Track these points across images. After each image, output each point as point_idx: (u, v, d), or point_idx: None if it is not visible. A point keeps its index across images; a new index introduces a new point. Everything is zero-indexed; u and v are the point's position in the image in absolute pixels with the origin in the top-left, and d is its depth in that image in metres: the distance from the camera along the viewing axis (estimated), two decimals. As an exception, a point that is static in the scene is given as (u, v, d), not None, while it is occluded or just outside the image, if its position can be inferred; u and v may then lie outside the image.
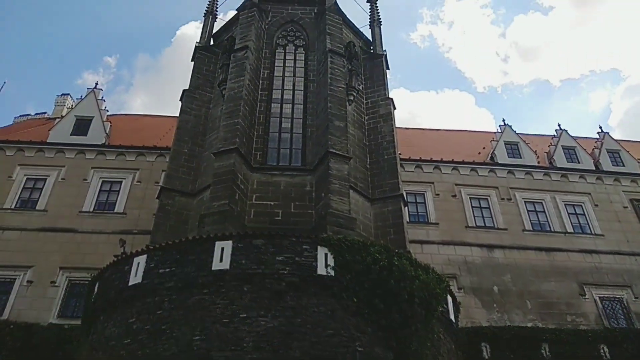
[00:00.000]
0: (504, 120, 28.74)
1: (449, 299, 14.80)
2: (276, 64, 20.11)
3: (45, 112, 33.06)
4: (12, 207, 21.94)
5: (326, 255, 12.37)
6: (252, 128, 17.68)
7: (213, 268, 11.67)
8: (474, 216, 23.90)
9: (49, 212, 21.87)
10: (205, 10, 23.60)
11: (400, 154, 20.45)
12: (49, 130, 25.10)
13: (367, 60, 21.95)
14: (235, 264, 11.79)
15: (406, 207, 18.59)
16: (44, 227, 21.32)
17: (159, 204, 17.15)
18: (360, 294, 11.98)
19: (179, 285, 11.53)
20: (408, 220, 20.86)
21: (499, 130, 28.35)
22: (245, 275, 11.68)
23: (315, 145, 17.50)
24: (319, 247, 12.42)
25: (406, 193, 21.03)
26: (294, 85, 19.61)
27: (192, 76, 20.64)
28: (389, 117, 19.89)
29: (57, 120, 27.01)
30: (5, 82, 58.98)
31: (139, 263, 12.37)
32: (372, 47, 22.88)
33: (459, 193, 24.54)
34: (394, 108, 20.56)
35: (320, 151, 16.77)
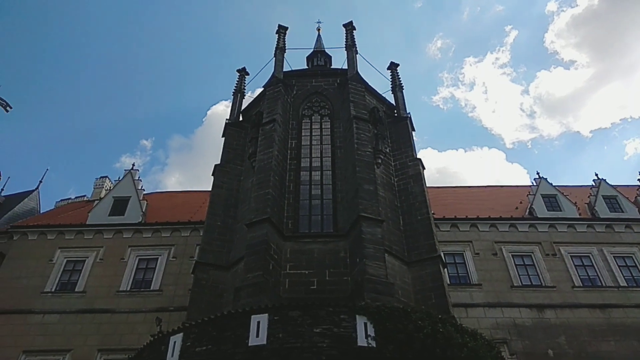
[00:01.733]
0: (538, 173, 28.10)
1: (502, 366, 13.77)
2: (303, 134, 20.65)
3: (84, 195, 34.32)
4: (53, 290, 22.30)
5: (366, 324, 11.90)
6: (282, 197, 17.85)
7: (250, 344, 11.33)
8: (519, 274, 22.80)
9: (88, 293, 22.10)
10: (234, 89, 24.85)
11: (434, 213, 20.10)
12: (88, 212, 25.98)
13: (392, 123, 22.31)
14: (272, 339, 11.43)
15: (445, 269, 17.95)
16: (83, 309, 21.45)
17: (194, 278, 17.12)
18: (405, 365, 11.29)
19: (216, 364, 11.17)
20: (449, 282, 20.10)
21: (534, 184, 27.69)
22: (283, 351, 11.27)
23: (347, 210, 17.42)
24: (357, 317, 11.98)
25: (444, 254, 20.38)
26: (321, 152, 19.96)
27: (223, 151, 21.35)
28: (419, 177, 19.82)
29: (96, 202, 28.02)
30: (47, 170, 62.31)
31: (175, 342, 12.15)
32: (395, 111, 23.33)
33: (500, 251, 23.63)
34: (423, 168, 20.52)
35: (352, 216, 16.65)
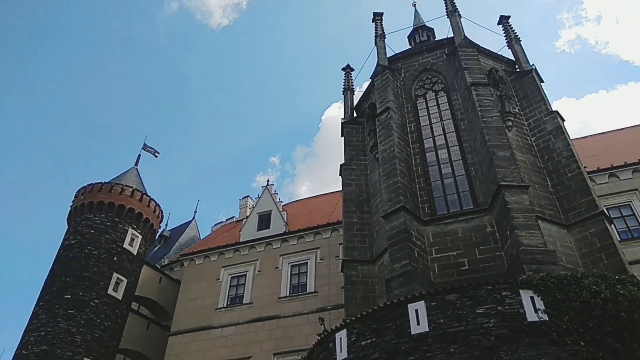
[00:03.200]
0: None
1: None
2: (420, 115, 20.07)
3: (233, 216, 37.61)
4: (225, 305, 24.76)
5: (532, 298, 11.13)
6: (412, 183, 17.54)
7: (412, 332, 11.30)
8: None
9: (254, 303, 24.10)
10: (343, 88, 25.16)
11: (585, 167, 18.03)
12: (239, 231, 28.37)
13: (515, 80, 20.57)
14: (434, 325, 11.26)
15: (612, 225, 15.98)
16: (253, 318, 23.44)
17: (344, 276, 17.64)
18: (586, 336, 10.30)
19: (383, 356, 11.36)
20: (619, 238, 17.85)
21: None
22: (447, 336, 11.02)
23: (484, 183, 16.49)
24: (521, 291, 11.27)
25: (606, 209, 18.18)
26: (443, 129, 19.19)
27: (345, 150, 21.71)
28: (559, 131, 17.95)
29: (244, 220, 30.47)
30: (198, 200, 69.82)
31: (340, 338, 12.61)
32: (517, 66, 21.46)
33: (675, 192, 20.31)
34: (562, 120, 18.55)
35: (491, 187, 15.71)
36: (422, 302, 11.75)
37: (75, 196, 27.17)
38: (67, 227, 26.51)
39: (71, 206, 26.98)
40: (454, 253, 15.29)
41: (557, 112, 18.65)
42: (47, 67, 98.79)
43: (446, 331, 11.13)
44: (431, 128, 19.42)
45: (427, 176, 17.78)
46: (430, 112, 19.98)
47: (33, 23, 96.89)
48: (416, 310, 11.69)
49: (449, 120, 19.37)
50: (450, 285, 12.10)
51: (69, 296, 22.58)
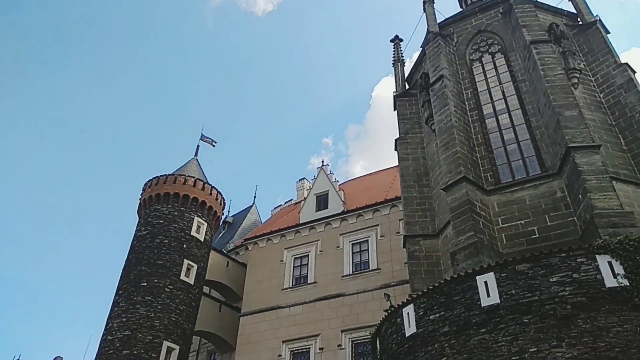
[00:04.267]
0: None
1: None
2: (477, 80, 19.22)
3: (291, 199, 38.18)
4: (290, 286, 25.36)
5: (610, 263, 10.56)
6: (473, 152, 16.92)
7: (483, 305, 11.03)
8: None
9: (318, 283, 24.50)
10: (393, 60, 24.54)
11: (663, 120, 16.59)
12: (298, 213, 28.79)
13: (578, 34, 19.16)
14: (506, 296, 10.92)
15: (698, 180, 14.69)
16: (319, 297, 23.87)
17: (407, 252, 17.46)
18: (673, 299, 9.63)
19: (454, 329, 11.19)
20: None
21: None
22: (520, 306, 10.67)
23: (551, 146, 15.63)
24: (597, 257, 10.70)
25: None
26: (503, 93, 18.29)
27: (399, 124, 21.27)
28: (631, 84, 16.61)
29: (302, 202, 30.85)
30: (257, 185, 71.55)
31: (408, 313, 12.55)
32: (579, 19, 19.96)
33: None
34: (633, 72, 17.13)
35: (559, 150, 14.86)
36: (492, 273, 11.42)
37: (143, 189, 28.59)
38: (137, 219, 28.00)
39: (140, 199, 28.44)
40: (522, 222, 14.70)
41: (626, 64, 17.26)
42: (110, 65, 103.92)
43: (519, 302, 10.78)
44: (489, 93, 18.56)
45: (488, 144, 17.08)
46: (488, 76, 19.07)
47: (93, 22, 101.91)
48: (485, 282, 11.39)
49: (509, 83, 18.42)
50: (520, 255, 11.65)
51: (145, 284, 23.96)
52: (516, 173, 16.06)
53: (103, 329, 23.72)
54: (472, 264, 12.88)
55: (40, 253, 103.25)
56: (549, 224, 14.27)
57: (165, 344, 22.69)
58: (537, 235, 14.25)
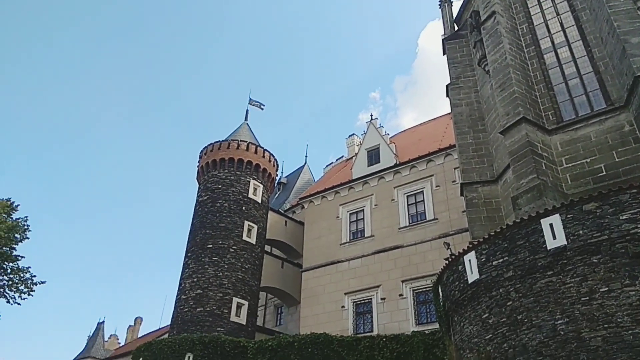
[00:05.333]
0: None
1: None
2: (532, 13, 17.99)
3: (342, 156, 38.23)
4: (348, 240, 25.82)
5: (685, 196, 9.88)
6: (531, 91, 16.08)
7: (549, 247, 10.77)
8: None
9: (375, 236, 24.77)
10: (439, 1, 23.36)
11: None
12: (350, 168, 28.87)
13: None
14: (573, 237, 10.58)
15: None
16: (377, 250, 24.20)
17: (465, 200, 17.20)
18: None
19: (519, 273, 11.06)
20: None
21: None
22: (589, 247, 10.32)
23: (616, 77, 14.57)
24: (672, 191, 10.03)
25: None
26: (561, 24, 17.06)
27: (449, 68, 20.47)
28: None
29: (353, 158, 30.86)
30: (307, 145, 72.11)
31: (470, 260, 12.50)
32: None
33: None
34: None
35: (626, 80, 13.83)
36: (557, 215, 11.04)
37: (200, 157, 29.58)
38: (197, 185, 29.16)
39: (197, 166, 29.50)
40: (588, 160, 14.01)
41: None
42: (160, 35, 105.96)
43: (587, 242, 10.43)
44: (547, 26, 17.35)
45: (547, 81, 16.15)
46: (544, 8, 17.77)
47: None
48: (551, 225, 11.06)
49: (567, 13, 17.12)
50: (587, 195, 11.17)
51: (210, 246, 25.21)
52: (579, 109, 15.17)
53: (177, 289, 25.37)
54: (536, 207, 12.52)
55: (119, 224, 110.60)
56: (616, 160, 13.52)
57: (235, 300, 24.03)
58: (605, 173, 13.57)
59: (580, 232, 10.59)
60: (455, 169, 22.98)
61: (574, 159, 14.22)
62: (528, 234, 11.35)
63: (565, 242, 10.64)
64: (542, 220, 11.25)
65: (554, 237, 10.83)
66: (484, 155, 17.74)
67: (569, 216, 10.91)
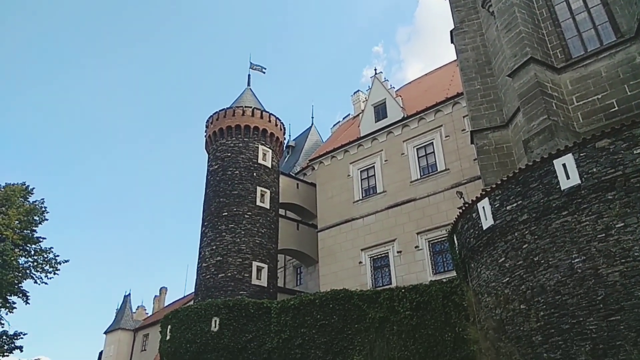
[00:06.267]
0: None
1: None
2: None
3: (348, 114, 37.86)
4: (360, 198, 25.95)
5: None
6: (538, 29, 15.55)
7: (563, 188, 10.71)
8: None
9: (388, 191, 24.83)
10: (436, -57, 22.39)
11: None
12: (358, 126, 28.64)
13: None
14: (587, 176, 10.49)
15: None
16: (390, 205, 24.31)
17: (476, 147, 17.05)
18: None
19: (533, 216, 11.07)
20: None
21: None
22: (603, 184, 10.25)
23: (626, 7, 14.01)
24: (690, 120, 9.81)
25: None
26: (566, -44, 16.24)
27: (452, 13, 19.84)
28: None
29: (360, 115, 30.56)
30: (312, 105, 71.46)
31: (483, 207, 12.52)
32: None
33: None
34: None
35: (636, 10, 13.30)
36: (570, 155, 10.93)
37: (206, 126, 29.51)
38: (207, 155, 29.24)
39: (205, 136, 29.48)
40: (599, 96, 13.68)
41: None
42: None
43: (601, 180, 10.34)
44: (551, -41, 16.58)
45: (554, 17, 15.55)
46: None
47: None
48: (564, 165, 10.96)
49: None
50: (599, 131, 10.99)
51: (226, 213, 25.53)
52: (588, 44, 14.67)
53: (197, 258, 25.93)
54: (548, 148, 12.37)
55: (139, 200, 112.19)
56: (629, 93, 13.18)
57: (255, 264, 24.53)
58: (617, 108, 13.27)
59: (594, 169, 10.50)
60: (464, 117, 22.69)
61: (585, 96, 13.91)
62: (541, 176, 11.29)
63: (579, 181, 10.57)
64: (554, 161, 11.15)
65: (568, 177, 10.77)
66: (492, 101, 17.43)
67: (581, 155, 10.79)
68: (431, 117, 24.72)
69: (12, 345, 20.76)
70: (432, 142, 24.28)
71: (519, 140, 14.90)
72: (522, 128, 14.74)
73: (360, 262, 24.06)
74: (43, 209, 22.66)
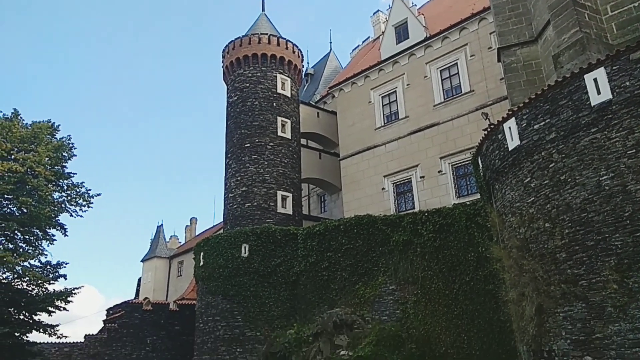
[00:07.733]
0: None
1: None
2: None
3: (368, 37, 36.40)
4: (382, 124, 25.64)
5: None
6: None
7: (593, 104, 10.30)
8: None
9: (410, 116, 24.41)
10: None
11: None
12: (379, 49, 27.63)
13: None
14: (619, 90, 10.02)
15: None
16: (412, 130, 24.00)
17: (503, 65, 16.35)
18: None
19: (561, 134, 10.77)
20: None
21: None
22: (636, 98, 9.79)
23: None
24: None
25: None
26: None
27: None
28: None
29: (380, 37, 29.38)
30: (330, 30, 68.79)
31: (509, 127, 12.23)
32: None
33: None
34: None
35: None
36: (602, 68, 10.38)
37: (223, 56, 28.95)
38: (225, 86, 28.96)
39: (222, 66, 29.01)
40: (636, 3, 12.69)
41: None
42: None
43: (634, 94, 9.86)
44: None
45: None
46: None
47: None
48: (594, 80, 10.45)
49: None
50: (634, 42, 10.33)
51: (248, 144, 25.71)
52: (629, -55, 13.41)
53: (223, 189, 26.56)
54: (579, 62, 11.77)
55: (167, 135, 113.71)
56: (671, -1, 12.20)
57: (279, 193, 25.02)
58: (657, 16, 12.37)
59: (627, 83, 10.00)
60: (490, 33, 21.59)
61: (620, 4, 12.93)
62: (571, 93, 10.85)
63: (611, 96, 10.12)
64: (585, 76, 10.65)
65: (599, 93, 10.31)
66: (521, 14, 16.40)
67: (614, 68, 10.24)
68: (456, 35, 23.61)
69: (57, 273, 22.20)
70: (457, 63, 23.39)
71: (549, 56, 14.18)
72: (552, 42, 13.97)
73: (383, 189, 24.27)
74: (71, 145, 23.22)
